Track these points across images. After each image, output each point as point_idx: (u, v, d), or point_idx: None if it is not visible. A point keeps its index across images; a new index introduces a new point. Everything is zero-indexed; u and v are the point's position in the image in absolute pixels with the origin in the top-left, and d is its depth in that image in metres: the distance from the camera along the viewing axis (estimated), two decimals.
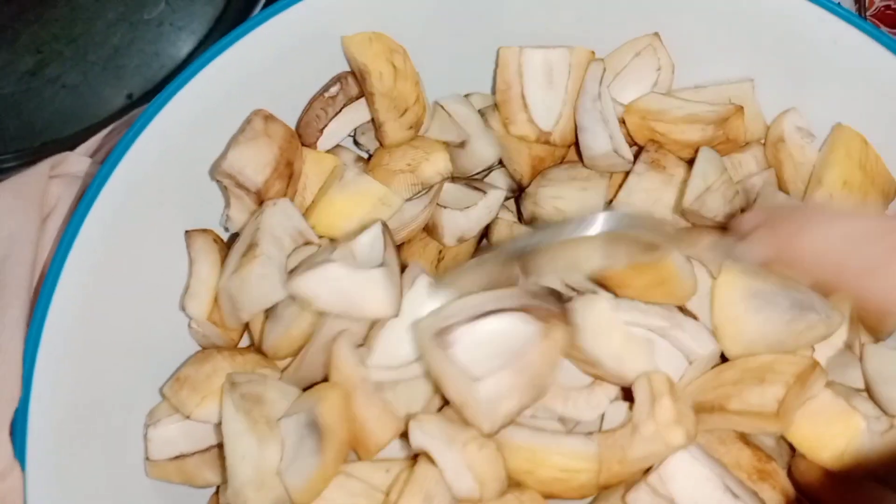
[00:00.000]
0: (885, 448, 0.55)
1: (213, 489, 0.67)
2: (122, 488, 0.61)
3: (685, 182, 0.66)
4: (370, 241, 0.61)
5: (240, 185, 0.63)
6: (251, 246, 0.60)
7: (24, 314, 0.57)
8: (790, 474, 0.60)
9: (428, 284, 0.59)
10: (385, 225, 0.62)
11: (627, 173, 0.70)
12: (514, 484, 0.56)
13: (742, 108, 0.70)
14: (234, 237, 0.68)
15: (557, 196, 0.72)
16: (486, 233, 0.73)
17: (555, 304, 0.56)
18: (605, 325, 0.58)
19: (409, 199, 0.69)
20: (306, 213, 0.65)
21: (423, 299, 0.58)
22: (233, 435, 0.57)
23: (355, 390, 0.57)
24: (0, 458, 0.52)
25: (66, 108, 0.88)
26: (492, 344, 0.54)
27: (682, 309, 0.63)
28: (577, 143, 0.71)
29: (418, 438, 0.53)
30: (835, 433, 0.56)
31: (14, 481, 0.53)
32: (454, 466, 0.52)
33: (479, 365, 0.53)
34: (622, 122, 0.72)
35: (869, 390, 0.62)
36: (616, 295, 0.62)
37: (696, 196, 0.65)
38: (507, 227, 0.71)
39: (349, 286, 0.58)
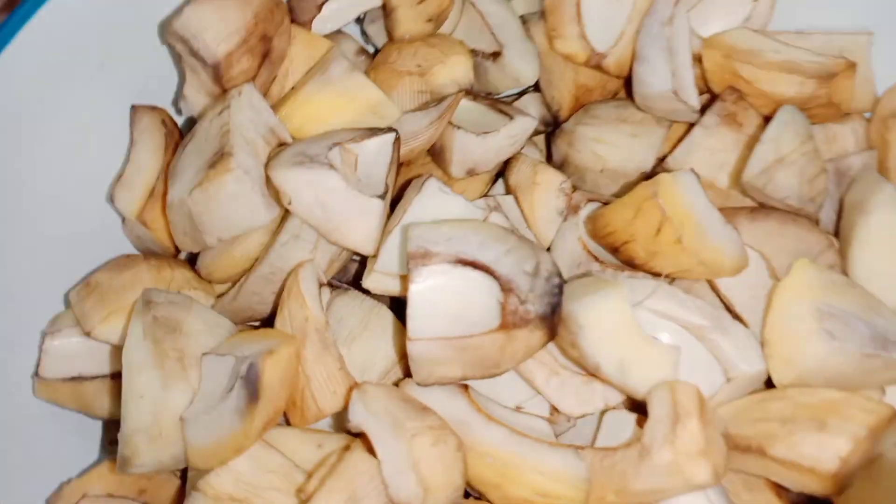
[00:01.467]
0: None
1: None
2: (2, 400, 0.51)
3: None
4: (376, 151, 0.49)
5: (194, 54, 0.50)
6: (223, 155, 0.48)
7: None
8: None
9: (438, 190, 0.48)
10: (398, 137, 0.50)
11: (692, 125, 0.57)
12: (474, 496, 0.44)
13: (855, 64, 0.56)
14: (191, 125, 0.56)
15: (599, 139, 0.59)
16: (503, 170, 0.60)
17: (540, 306, 0.43)
18: (615, 328, 0.46)
19: (412, 111, 0.56)
20: (275, 106, 0.52)
21: (430, 206, 0.48)
22: (134, 366, 0.46)
23: (306, 339, 0.46)
24: None
25: None
26: (455, 301, 0.44)
27: (733, 313, 0.50)
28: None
29: (358, 414, 0.42)
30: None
31: None
32: (396, 460, 0.40)
33: (425, 318, 0.44)
34: (698, 60, 0.58)
35: None
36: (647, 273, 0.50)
37: (762, 168, 0.51)
38: (530, 166, 0.57)
39: (339, 204, 0.47)
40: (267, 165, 0.48)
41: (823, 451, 0.42)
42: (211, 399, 0.45)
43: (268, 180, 0.48)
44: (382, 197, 0.49)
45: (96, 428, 0.56)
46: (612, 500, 0.44)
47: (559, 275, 0.43)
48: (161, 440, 0.46)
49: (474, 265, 0.45)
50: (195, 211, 0.48)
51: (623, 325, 0.45)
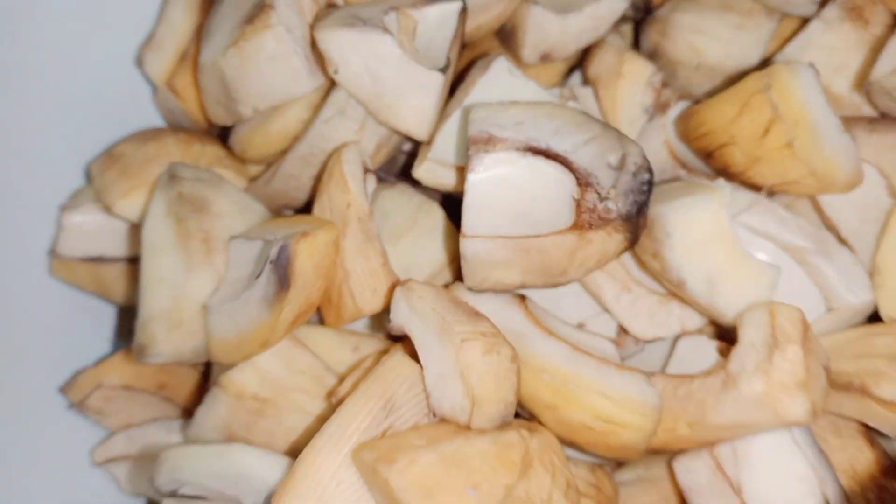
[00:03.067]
0: None
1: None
2: (16, 283, 0.48)
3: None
4: (439, 20, 0.45)
5: None
6: (262, 7, 0.43)
7: None
8: None
9: (507, 70, 0.44)
10: (465, 7, 0.45)
11: (808, 20, 0.50)
12: (525, 417, 0.40)
13: None
14: None
15: (698, 28, 0.53)
16: (582, 60, 0.54)
17: (625, 205, 0.38)
18: (708, 237, 0.41)
19: None
20: None
21: (497, 89, 0.43)
22: (154, 245, 0.43)
23: (347, 228, 0.42)
24: None
25: None
26: (521, 195, 0.39)
27: (838, 236, 0.45)
28: None
29: (401, 314, 0.38)
30: None
31: None
32: (442, 367, 0.36)
33: (484, 214, 0.39)
34: None
35: None
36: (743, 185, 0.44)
37: (893, 67, 0.45)
38: (614, 54, 0.52)
39: (393, 76, 0.43)
40: (313, 25, 0.43)
41: None
42: (237, 286, 0.42)
43: (313, 43, 0.43)
44: (443, 71, 0.44)
45: (113, 317, 0.53)
46: (684, 433, 0.40)
47: (649, 170, 0.38)
48: (181, 328, 0.42)
49: (547, 154, 0.40)
50: (229, 74, 0.44)
51: (718, 236, 0.40)
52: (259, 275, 0.39)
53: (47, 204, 0.50)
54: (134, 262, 0.50)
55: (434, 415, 0.38)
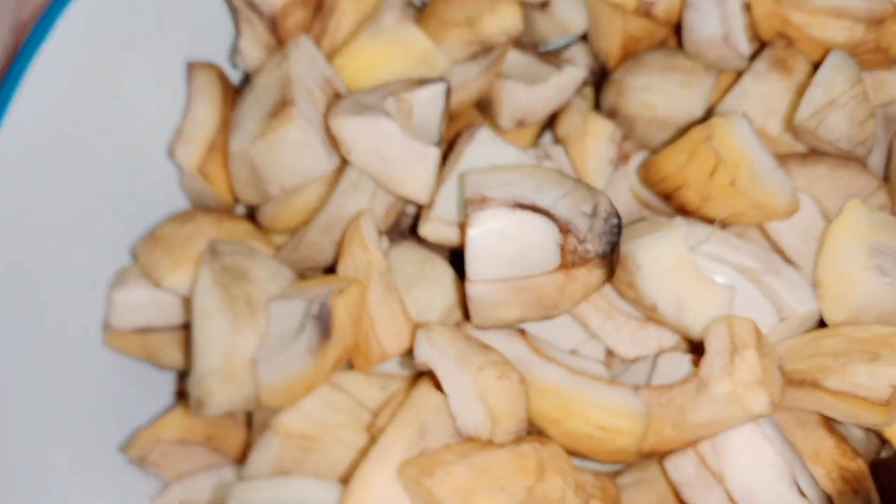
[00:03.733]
0: None
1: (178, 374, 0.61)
2: (73, 346, 0.55)
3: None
4: (429, 100, 0.52)
5: (252, 6, 0.53)
6: (284, 103, 0.51)
7: None
8: (872, 474, 0.51)
9: (489, 138, 0.51)
10: (450, 87, 0.53)
11: (741, 74, 0.59)
12: (534, 433, 0.48)
13: None
14: (246, 82, 0.59)
15: (648, 87, 0.61)
16: (551, 122, 0.63)
17: (600, 245, 0.46)
18: (671, 266, 0.49)
19: (461, 62, 0.59)
20: (328, 58, 0.55)
21: (483, 154, 0.51)
22: (204, 311, 0.50)
23: (370, 282, 0.49)
24: None
25: None
26: (513, 244, 0.47)
27: (784, 257, 0.53)
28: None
29: (424, 352, 0.45)
30: None
31: None
32: (463, 393, 0.44)
33: (484, 261, 0.47)
34: (748, 7, 0.60)
35: None
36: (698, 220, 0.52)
37: (813, 110, 0.53)
38: (579, 116, 0.60)
39: (396, 152, 0.50)
40: (326, 114, 0.51)
41: (876, 381, 0.44)
42: (281, 341, 0.49)
43: (327, 128, 0.51)
44: (437, 145, 0.52)
45: (161, 380, 0.60)
46: (670, 433, 0.47)
47: (617, 215, 0.46)
48: (233, 381, 0.49)
49: (532, 208, 0.48)
50: (258, 161, 0.52)
51: (680, 265, 0.48)
52: (302, 329, 0.46)
53: (97, 282, 0.56)
54: (177, 329, 0.57)
55: (460, 434, 0.45)
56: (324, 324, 0.46)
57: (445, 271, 0.55)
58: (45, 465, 0.52)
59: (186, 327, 0.57)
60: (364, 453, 0.45)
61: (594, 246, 0.46)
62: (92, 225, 0.56)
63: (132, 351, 0.57)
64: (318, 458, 0.48)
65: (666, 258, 0.48)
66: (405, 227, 0.60)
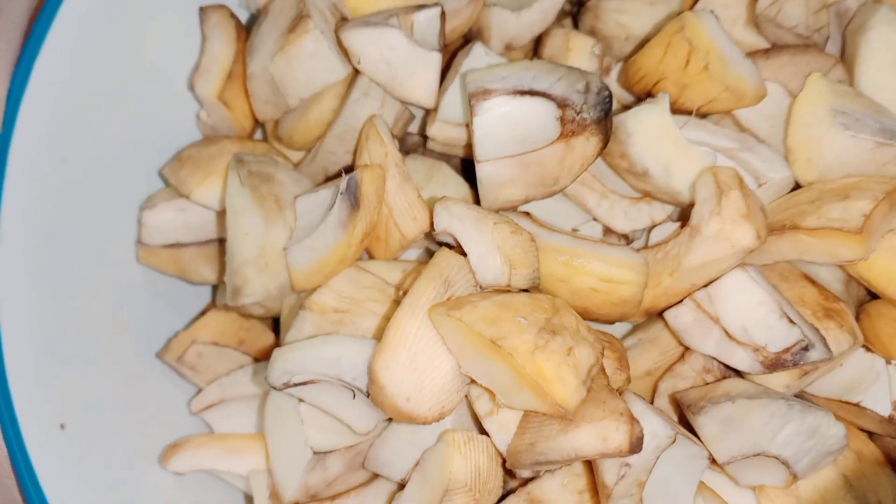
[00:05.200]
0: None
1: (209, 293, 0.65)
2: (111, 272, 0.59)
3: None
4: (427, 21, 0.58)
5: None
6: (299, 19, 0.56)
7: (13, 53, 0.54)
8: (859, 324, 0.57)
9: (485, 52, 0.57)
10: (444, 11, 0.59)
11: None
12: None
13: None
14: (253, 21, 0.65)
15: (622, 9, 0.67)
16: (537, 46, 0.69)
17: (595, 113, 0.52)
18: (659, 133, 0.54)
19: None
20: None
21: (480, 64, 0.56)
22: (237, 209, 0.55)
23: (387, 172, 0.54)
24: None
25: None
26: (517, 126, 0.52)
27: (756, 139, 0.59)
28: None
29: (444, 219, 0.50)
30: None
31: None
32: (482, 248, 0.49)
33: (491, 143, 0.52)
34: None
35: None
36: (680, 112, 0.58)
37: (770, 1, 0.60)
38: (562, 36, 0.66)
39: (402, 59, 0.55)
40: (337, 30, 0.57)
41: (848, 213, 0.50)
42: (307, 231, 0.54)
43: (338, 44, 0.57)
44: (439, 51, 0.57)
45: (194, 297, 0.64)
46: (668, 283, 0.53)
47: (608, 88, 0.52)
48: (267, 270, 0.54)
49: (531, 93, 0.54)
50: (278, 75, 0.57)
51: (666, 132, 0.54)
52: (332, 207, 0.51)
53: (131, 205, 0.61)
54: (206, 245, 0.62)
55: (481, 288, 0.50)
56: (353, 196, 0.51)
57: (452, 174, 0.60)
58: (89, 372, 0.56)
59: (215, 242, 0.61)
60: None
61: (590, 114, 0.51)
62: (124, 156, 0.61)
63: (165, 267, 0.61)
64: (350, 329, 0.52)
65: (654, 125, 0.53)
66: (410, 145, 0.66)
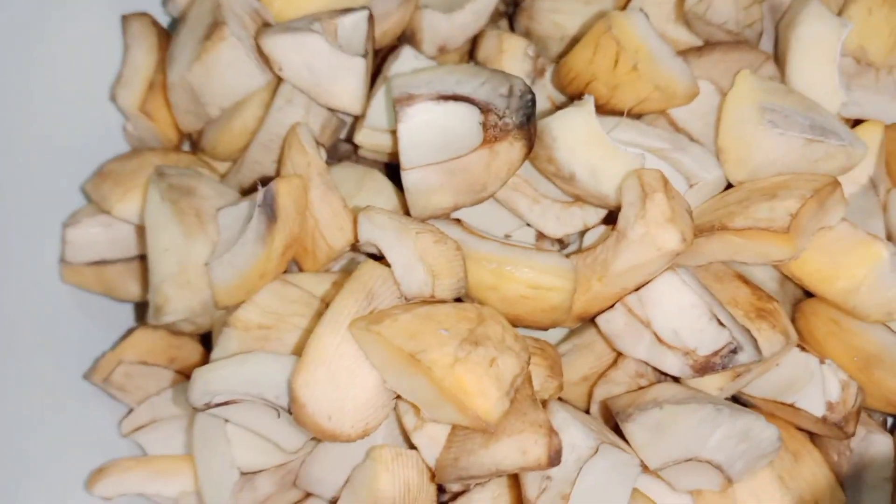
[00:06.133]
0: None
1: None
2: (33, 291, 0.58)
3: None
4: (353, 25, 0.57)
5: None
6: (215, 26, 0.55)
7: None
8: (794, 323, 0.57)
9: (413, 56, 0.56)
10: (372, 15, 0.58)
11: None
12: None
13: None
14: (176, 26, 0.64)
15: (556, 9, 0.67)
16: (472, 48, 0.68)
17: (517, 117, 0.51)
18: (584, 137, 0.54)
19: None
20: None
21: (408, 69, 0.55)
22: (156, 225, 0.54)
23: (311, 182, 0.53)
24: None
25: None
26: (442, 132, 0.51)
27: (690, 138, 0.59)
28: None
29: (366, 230, 0.50)
30: (852, 262, 0.52)
31: None
32: (405, 258, 0.48)
33: (416, 150, 0.51)
34: None
35: (892, 239, 0.59)
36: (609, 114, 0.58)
37: None
38: (495, 38, 0.66)
39: (325, 65, 0.54)
40: (256, 36, 0.56)
41: (775, 213, 0.50)
42: (229, 245, 0.53)
43: (258, 51, 0.56)
44: (364, 57, 0.56)
45: (120, 314, 0.63)
46: (597, 288, 0.52)
47: (531, 91, 0.52)
48: (189, 287, 0.53)
49: (455, 98, 0.53)
50: (196, 84, 0.56)
51: (592, 135, 0.53)
52: (249, 221, 0.50)
53: (53, 222, 0.60)
54: (132, 261, 0.60)
55: (406, 300, 0.49)
56: (269, 209, 0.50)
57: (384, 181, 0.60)
58: (11, 397, 0.55)
59: (141, 258, 0.60)
60: None
61: (512, 119, 0.51)
62: (44, 173, 0.60)
63: (90, 285, 0.60)
64: (275, 345, 0.51)
65: (579, 129, 0.53)
66: (343, 153, 0.65)
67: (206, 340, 0.61)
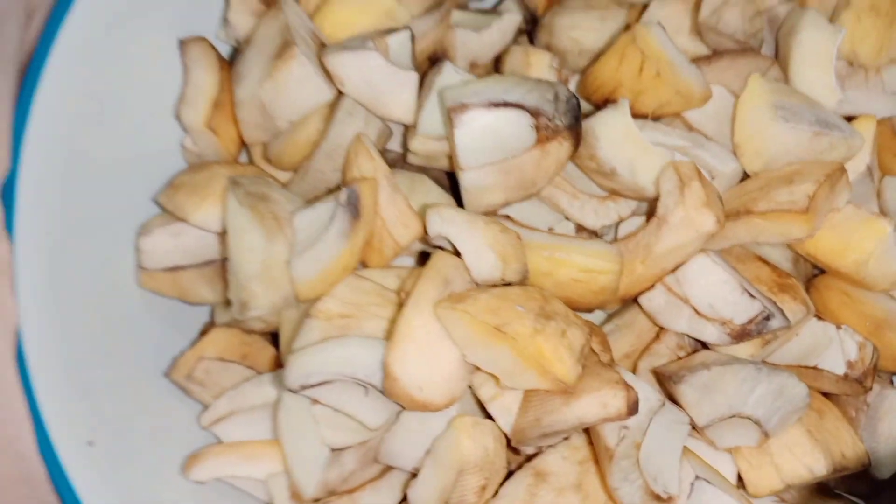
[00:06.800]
0: None
1: (208, 312, 0.69)
2: (114, 294, 0.63)
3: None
4: (400, 44, 0.63)
5: None
6: (285, 45, 0.61)
7: (10, 90, 0.57)
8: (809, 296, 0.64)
9: (454, 70, 0.62)
10: (413, 34, 0.64)
11: (647, 4, 0.73)
12: None
13: None
14: (234, 55, 0.70)
15: (574, 25, 0.74)
16: (497, 63, 0.75)
17: (567, 119, 0.58)
18: (623, 135, 0.61)
19: (418, 16, 0.70)
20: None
21: (451, 82, 0.61)
22: (238, 228, 0.59)
23: (378, 185, 0.59)
24: None
25: None
26: (494, 135, 0.58)
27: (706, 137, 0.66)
28: None
29: (437, 225, 0.56)
30: (861, 237, 0.60)
31: (3, 251, 0.54)
32: (475, 247, 0.54)
33: (472, 153, 0.57)
34: None
35: None
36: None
37: (712, 9, 0.67)
38: (521, 53, 0.73)
39: (382, 79, 0.60)
40: (320, 56, 0.62)
41: (795, 195, 0.57)
42: (310, 242, 0.58)
43: (322, 68, 0.62)
44: (415, 70, 0.63)
45: (193, 317, 0.68)
46: (641, 269, 0.59)
47: (576, 96, 0.58)
48: (272, 283, 0.58)
49: (505, 104, 0.59)
50: (267, 99, 0.62)
51: (629, 134, 0.60)
52: (332, 219, 0.56)
53: (128, 231, 0.65)
54: (203, 266, 0.66)
55: (477, 284, 0.55)
56: (353, 207, 0.56)
57: (432, 185, 0.66)
58: (107, 394, 0.60)
59: (212, 263, 0.65)
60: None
61: (562, 121, 0.57)
62: (120, 186, 0.65)
63: (165, 290, 0.65)
64: (356, 332, 0.57)
65: (618, 128, 0.60)
66: (390, 161, 0.71)
67: (273, 338, 0.66)
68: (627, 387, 0.50)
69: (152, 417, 0.62)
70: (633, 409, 0.49)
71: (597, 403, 0.49)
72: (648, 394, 0.52)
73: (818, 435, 0.59)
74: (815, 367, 0.60)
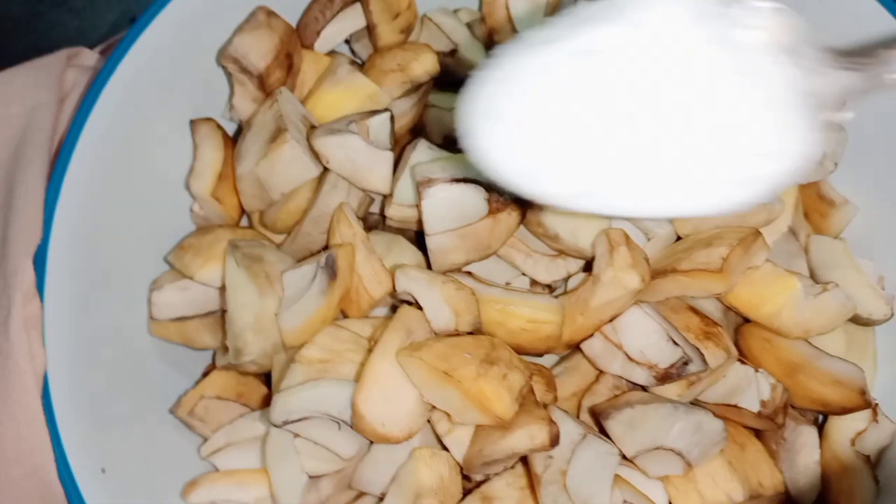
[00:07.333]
0: (819, 307, 0.68)
1: (210, 356, 0.79)
2: (128, 341, 0.73)
3: None
4: (379, 124, 0.74)
5: (243, 70, 0.75)
6: (278, 131, 0.72)
7: (44, 172, 0.68)
8: (736, 344, 0.73)
9: (427, 146, 0.72)
10: (392, 115, 0.75)
11: None
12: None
13: None
14: (239, 131, 0.81)
15: None
16: None
17: (514, 195, 0.68)
18: None
19: (398, 98, 0.81)
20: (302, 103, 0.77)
21: (424, 157, 0.72)
22: (235, 286, 0.69)
23: (356, 248, 0.69)
24: (25, 282, 0.64)
25: (71, 31, 1.02)
26: (455, 206, 0.67)
27: None
28: None
29: (403, 283, 0.66)
30: (774, 292, 0.69)
31: (34, 309, 0.64)
32: (434, 302, 0.64)
33: (437, 220, 0.67)
34: None
35: (814, 277, 0.75)
36: None
37: None
38: None
39: (362, 158, 0.71)
40: (309, 138, 0.73)
41: (711, 256, 0.67)
42: (295, 298, 0.68)
43: (310, 148, 0.73)
44: (391, 149, 0.73)
45: (190, 362, 0.78)
46: (581, 320, 0.68)
47: None
48: (263, 333, 0.68)
49: (465, 180, 0.69)
50: (263, 176, 0.72)
51: None
52: (314, 279, 0.66)
53: (142, 286, 0.75)
54: (206, 317, 0.76)
55: (435, 333, 0.65)
56: (331, 269, 0.66)
57: (407, 245, 0.76)
58: (119, 428, 0.70)
59: (214, 314, 0.76)
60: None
61: (510, 195, 0.67)
62: (137, 248, 0.75)
63: (172, 337, 0.75)
64: (332, 374, 0.66)
65: None
66: (372, 222, 0.81)
67: (266, 379, 0.76)
68: (551, 422, 0.59)
69: (158, 448, 0.72)
70: (554, 441, 0.59)
71: (526, 436, 0.59)
72: (570, 428, 0.61)
73: (737, 465, 0.67)
74: (735, 406, 0.69)
